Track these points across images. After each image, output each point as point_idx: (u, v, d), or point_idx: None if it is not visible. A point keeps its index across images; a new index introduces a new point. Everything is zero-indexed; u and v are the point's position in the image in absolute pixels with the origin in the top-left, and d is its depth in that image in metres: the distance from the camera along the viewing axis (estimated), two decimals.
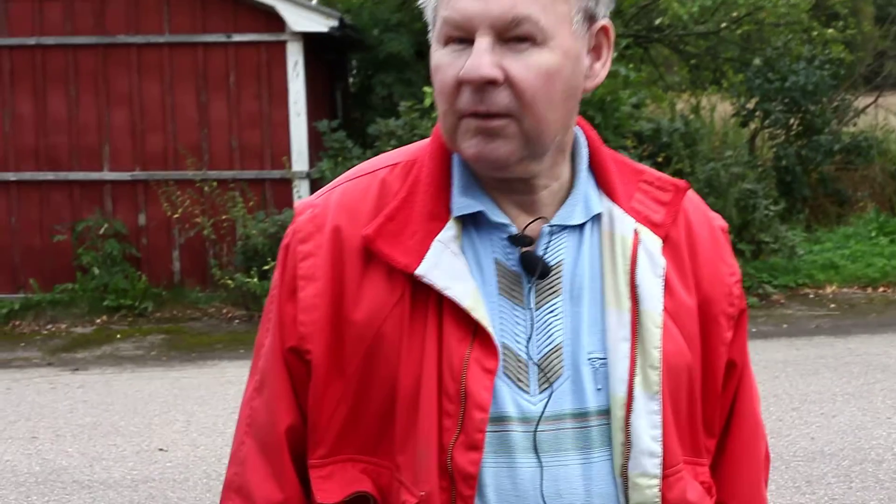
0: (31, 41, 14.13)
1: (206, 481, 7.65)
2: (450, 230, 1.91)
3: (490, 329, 1.86)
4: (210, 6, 14.09)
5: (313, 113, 14.48)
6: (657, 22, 18.32)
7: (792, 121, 17.07)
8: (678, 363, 1.96)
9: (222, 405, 9.45)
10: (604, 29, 1.94)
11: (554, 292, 1.93)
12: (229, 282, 13.12)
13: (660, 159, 13.81)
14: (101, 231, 13.77)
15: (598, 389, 1.90)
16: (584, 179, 1.98)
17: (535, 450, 1.88)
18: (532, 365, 1.90)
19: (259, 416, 2.01)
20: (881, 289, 14.15)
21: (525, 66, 1.81)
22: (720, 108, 19.52)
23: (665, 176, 2.07)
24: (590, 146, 2.03)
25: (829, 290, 14.07)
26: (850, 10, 20.43)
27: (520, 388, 1.89)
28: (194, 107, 14.16)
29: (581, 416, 1.90)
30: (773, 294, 13.64)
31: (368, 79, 17.28)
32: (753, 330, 12.07)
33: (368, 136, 14.15)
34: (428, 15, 1.93)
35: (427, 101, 13.70)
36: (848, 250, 15.22)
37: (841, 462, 7.74)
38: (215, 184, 13.73)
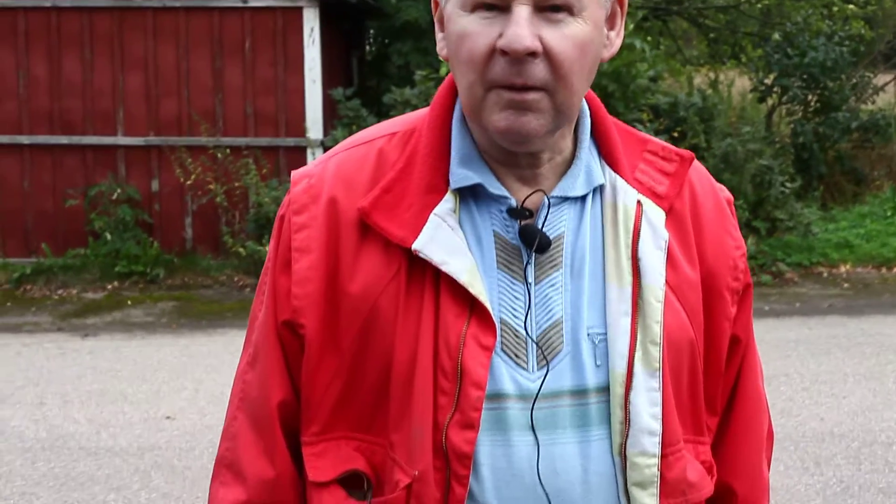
0: (47, 3, 14.06)
1: (212, 450, 7.62)
2: (447, 203, 1.87)
3: (488, 305, 1.83)
4: None
5: (328, 80, 14.43)
6: None
7: (810, 97, 16.95)
8: (680, 338, 1.93)
9: (231, 373, 9.29)
10: (620, 0, 1.91)
11: (554, 266, 1.89)
12: (241, 249, 13.10)
13: (675, 134, 13.73)
14: (114, 196, 13.74)
15: (598, 366, 1.87)
16: (587, 150, 1.95)
17: (532, 428, 1.84)
18: (531, 341, 1.86)
19: (251, 391, 1.99)
20: (895, 269, 14.07)
21: (562, 36, 1.77)
22: (738, 83, 19.39)
23: (670, 146, 2.04)
24: (593, 115, 2.00)
25: (843, 269, 13.99)
26: None
27: (518, 364, 1.86)
28: (209, 72, 14.10)
29: (580, 393, 1.87)
30: (786, 272, 13.56)
31: (385, 47, 17.22)
32: (766, 308, 12.04)
33: (384, 104, 14.09)
34: None
35: (443, 70, 13.63)
36: (863, 229, 15.13)
37: (850, 443, 7.70)
38: (228, 150, 13.69)
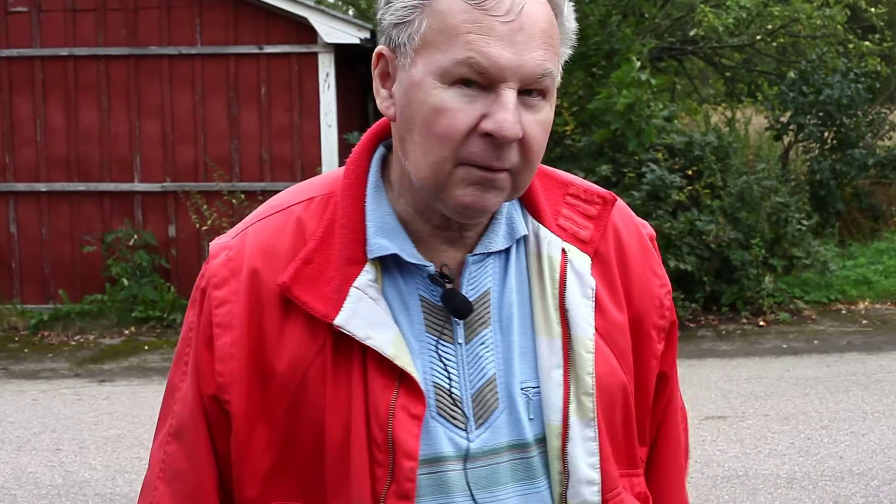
0: (64, 52, 14.21)
1: None
2: (367, 274, 1.84)
3: (415, 375, 1.81)
4: (242, 18, 14.12)
5: (345, 124, 14.49)
6: (692, 34, 18.22)
7: (826, 134, 16.95)
8: (611, 384, 1.93)
9: None
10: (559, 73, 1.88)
11: (483, 323, 1.88)
12: None
13: (690, 172, 13.72)
14: (131, 242, 13.81)
15: (531, 419, 1.87)
16: (508, 202, 1.92)
17: (474, 486, 1.85)
18: (466, 401, 1.86)
19: (176, 463, 1.94)
20: None
21: (536, 122, 1.77)
22: (755, 121, 19.40)
23: (593, 187, 2.02)
24: None
25: (861, 305, 13.95)
26: (886, 22, 20.26)
27: (455, 425, 1.85)
28: (225, 118, 14.19)
29: (519, 447, 1.88)
30: (804, 310, 13.52)
31: None
32: (784, 346, 12.00)
33: None
34: (398, 36, 1.80)
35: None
36: (881, 265, 15.08)
37: (870, 482, 7.63)
38: (243, 196, 13.73)
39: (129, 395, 10.62)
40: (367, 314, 1.81)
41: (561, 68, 1.85)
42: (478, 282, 1.89)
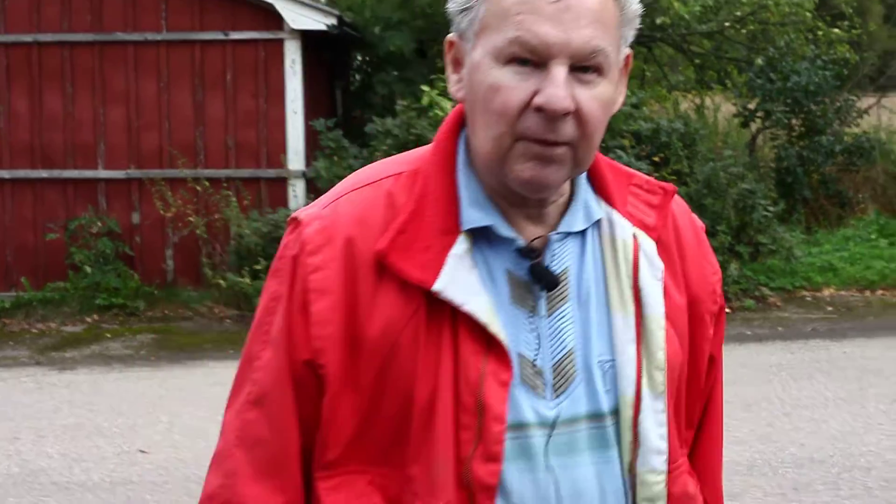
0: (28, 38, 14.12)
1: (186, 484, 7.56)
2: (462, 244, 1.93)
3: (505, 342, 1.90)
4: (208, 4, 14.07)
5: (311, 111, 14.43)
6: (659, 21, 18.18)
7: (793, 121, 16.96)
8: (675, 362, 2.03)
9: (207, 406, 9.36)
10: (627, 56, 1.99)
11: (563, 298, 1.98)
12: (221, 281, 13.05)
13: (657, 159, 13.71)
14: (95, 229, 13.72)
15: (607, 391, 1.96)
16: (584, 187, 2.03)
17: (553, 453, 1.93)
18: (547, 371, 1.94)
19: (256, 430, 1.97)
20: (879, 291, 14.04)
21: (591, 97, 1.85)
22: (724, 108, 19.42)
23: (653, 179, 2.13)
24: None
25: (826, 292, 13.96)
26: (856, 9, 20.27)
27: (536, 394, 1.93)
28: (190, 105, 14.12)
29: (595, 417, 1.96)
30: (769, 296, 13.54)
31: (369, 77, 17.21)
32: (748, 333, 12.02)
33: (367, 135, 14.06)
34: (462, 22, 1.94)
35: (425, 100, 13.62)
36: (847, 252, 15.10)
37: (830, 469, 7.64)
38: (207, 183, 13.66)
39: (90, 384, 10.56)
40: (462, 282, 1.90)
41: (626, 48, 1.96)
42: (559, 259, 1.99)
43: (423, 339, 1.89)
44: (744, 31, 19.26)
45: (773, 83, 16.65)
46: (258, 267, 12.49)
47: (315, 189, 13.60)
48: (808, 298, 13.79)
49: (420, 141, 13.15)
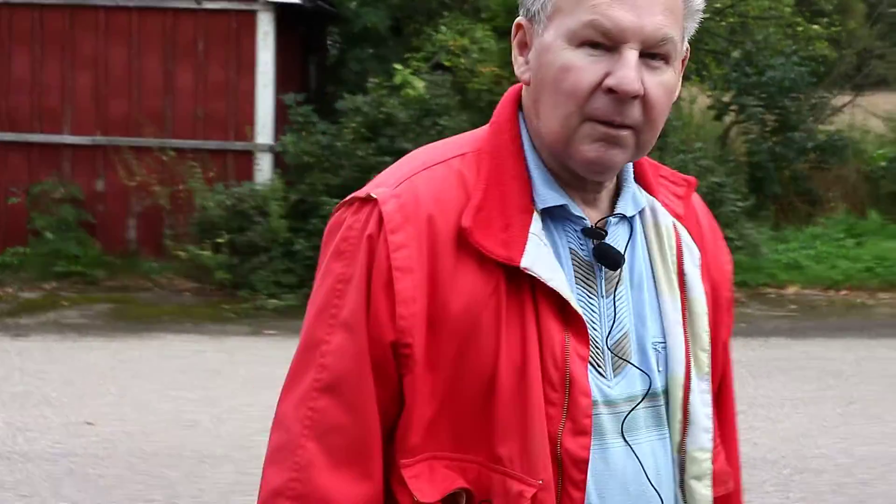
0: None
1: (129, 458, 7.44)
2: (538, 222, 1.97)
3: (584, 318, 1.94)
4: None
5: (283, 85, 14.31)
6: None
7: (767, 116, 16.93)
8: (712, 345, 2.12)
9: (159, 379, 9.28)
10: (687, 48, 2.04)
11: (619, 281, 2.03)
12: (181, 253, 12.93)
13: None
14: (58, 195, 13.59)
15: (660, 371, 2.03)
16: (630, 175, 2.09)
17: (622, 431, 1.98)
18: (607, 350, 1.99)
19: (331, 418, 1.93)
20: (843, 291, 14.00)
21: (658, 83, 1.91)
22: (701, 100, 19.39)
23: (676, 171, 2.21)
24: None
25: (790, 290, 13.93)
26: (837, 7, 20.26)
27: (600, 373, 1.98)
28: (160, 73, 14.02)
29: (651, 396, 2.02)
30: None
31: (344, 52, 17.08)
32: None
33: (337, 111, 13.95)
34: (533, 5, 1.97)
35: (398, 79, 13.53)
36: (813, 251, 15.07)
37: (781, 470, 7.60)
38: (174, 153, 13.53)
39: (43, 351, 10.46)
40: (545, 258, 1.93)
41: (687, 43, 2.02)
42: (616, 241, 2.03)
43: (505, 316, 1.91)
44: (723, 23, 19.22)
45: (748, 77, 16.61)
46: (220, 240, 12.38)
47: (282, 164, 13.49)
48: (772, 296, 13.76)
49: (389, 119, 13.06)
